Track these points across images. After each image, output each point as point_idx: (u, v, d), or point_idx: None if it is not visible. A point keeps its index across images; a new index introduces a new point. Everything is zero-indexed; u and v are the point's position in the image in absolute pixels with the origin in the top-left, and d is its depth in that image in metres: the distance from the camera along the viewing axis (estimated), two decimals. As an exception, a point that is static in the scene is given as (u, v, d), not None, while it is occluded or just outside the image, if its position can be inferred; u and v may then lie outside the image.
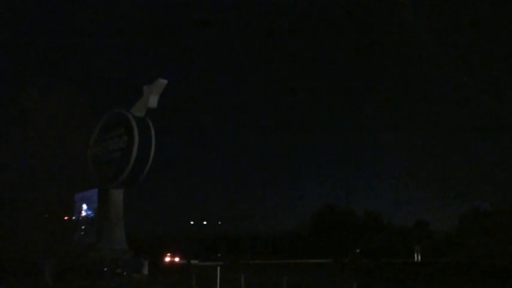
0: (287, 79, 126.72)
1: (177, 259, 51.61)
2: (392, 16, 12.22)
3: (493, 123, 12.18)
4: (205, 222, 72.22)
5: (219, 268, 18.93)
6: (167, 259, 49.99)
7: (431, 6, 11.68)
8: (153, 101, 30.43)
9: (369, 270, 35.02)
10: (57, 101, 24.92)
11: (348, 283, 16.69)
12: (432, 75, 12.54)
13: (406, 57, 12.58)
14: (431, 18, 11.51)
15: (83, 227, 30.39)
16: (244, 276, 18.64)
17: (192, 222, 70.99)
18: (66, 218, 30.13)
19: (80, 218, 30.44)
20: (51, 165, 24.66)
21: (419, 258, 57.91)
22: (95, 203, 30.12)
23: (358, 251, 59.94)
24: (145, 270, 29.03)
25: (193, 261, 49.26)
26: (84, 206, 30.43)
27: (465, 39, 11.13)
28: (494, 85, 11.09)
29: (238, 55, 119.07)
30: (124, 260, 28.03)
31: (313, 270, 36.06)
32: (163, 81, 30.45)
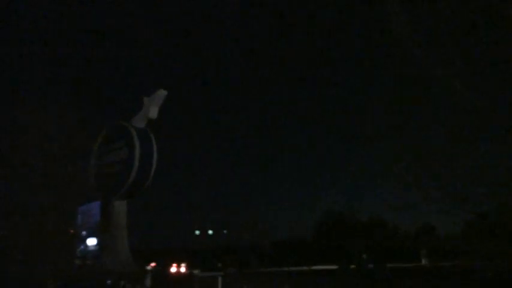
0: (289, 84, 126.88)
1: (183, 269, 51.47)
2: (382, 21, 12.21)
3: (491, 125, 12.10)
4: (210, 232, 72.03)
5: (220, 278, 18.93)
6: (173, 269, 49.88)
7: (419, 11, 11.66)
8: (153, 112, 30.36)
9: (377, 276, 34.84)
10: (56, 114, 24.98)
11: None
12: (428, 80, 12.50)
13: (401, 63, 12.57)
14: (420, 23, 11.50)
15: (86, 240, 30.33)
16: (247, 285, 18.58)
17: (197, 232, 70.82)
18: (71, 231, 30.12)
19: (83, 231, 30.37)
20: (52, 180, 24.67)
21: (426, 262, 57.56)
22: (97, 215, 30.01)
23: (364, 256, 59.51)
24: (148, 282, 28.89)
25: (195, 272, 49.21)
26: (87, 219, 30.36)
27: (453, 42, 11.12)
28: (487, 88, 11.06)
29: (236, 62, 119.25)
30: (127, 272, 27.90)
31: (319, 277, 35.86)
32: (163, 92, 30.42)
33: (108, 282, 26.88)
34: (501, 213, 14.07)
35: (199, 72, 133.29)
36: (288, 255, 61.95)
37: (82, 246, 29.97)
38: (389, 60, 13.29)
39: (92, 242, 30.28)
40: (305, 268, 51.60)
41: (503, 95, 10.89)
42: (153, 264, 54.28)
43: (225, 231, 72.85)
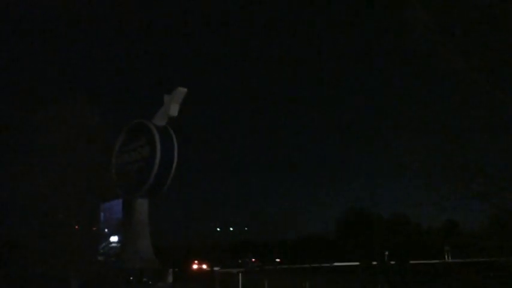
0: (300, 83, 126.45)
1: (204, 266, 51.63)
2: (396, 12, 12.04)
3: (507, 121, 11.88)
4: (231, 229, 72.28)
5: (240, 274, 19.07)
6: (195, 266, 50.11)
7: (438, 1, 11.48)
8: (173, 110, 30.64)
9: (399, 273, 34.56)
10: (78, 113, 25.20)
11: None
12: (442, 73, 12.32)
13: (413, 54, 12.39)
14: (438, 13, 11.32)
15: (108, 238, 30.64)
16: (267, 281, 18.66)
17: (218, 229, 71.10)
18: (94, 228, 30.42)
19: (105, 229, 30.69)
20: (74, 178, 24.89)
21: (449, 258, 56.80)
22: (119, 213, 30.30)
23: (386, 253, 58.85)
24: (170, 279, 29.14)
25: (216, 268, 49.32)
26: (109, 216, 30.67)
27: (475, 35, 10.95)
28: (507, 81, 10.86)
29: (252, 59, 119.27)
30: (149, 269, 28.19)
31: (341, 274, 35.75)
32: (183, 90, 30.70)
33: (131, 278, 27.21)
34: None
35: (202, 72, 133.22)
36: (309, 251, 61.80)
37: (104, 243, 30.30)
38: (407, 53, 13.14)
39: (114, 239, 30.63)
40: (327, 265, 51.46)
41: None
42: (254, 260, 55.00)
43: (246, 228, 73.09)
